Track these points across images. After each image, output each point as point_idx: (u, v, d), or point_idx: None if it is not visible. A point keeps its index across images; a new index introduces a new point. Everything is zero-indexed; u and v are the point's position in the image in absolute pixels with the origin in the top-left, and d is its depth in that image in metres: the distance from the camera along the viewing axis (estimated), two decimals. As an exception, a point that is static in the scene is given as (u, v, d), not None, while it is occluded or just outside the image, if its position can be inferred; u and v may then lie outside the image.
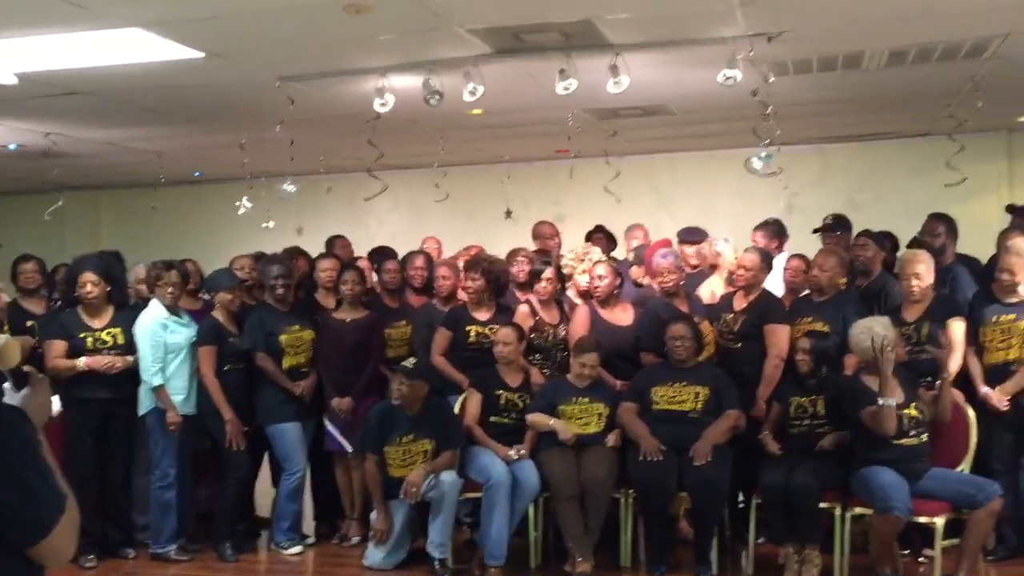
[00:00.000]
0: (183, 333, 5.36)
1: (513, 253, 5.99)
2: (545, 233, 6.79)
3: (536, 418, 5.09)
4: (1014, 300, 4.82)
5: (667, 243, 6.24)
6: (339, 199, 9.40)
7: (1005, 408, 4.73)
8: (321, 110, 6.46)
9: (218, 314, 5.43)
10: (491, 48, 5.17)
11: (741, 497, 5.22)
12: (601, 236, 7.21)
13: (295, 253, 6.39)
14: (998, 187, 8.26)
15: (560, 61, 5.19)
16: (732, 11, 4.57)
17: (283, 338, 5.40)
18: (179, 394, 5.31)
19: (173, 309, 5.37)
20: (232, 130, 7.20)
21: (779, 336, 5.17)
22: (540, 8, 4.60)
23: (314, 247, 6.84)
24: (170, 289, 5.31)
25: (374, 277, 6.11)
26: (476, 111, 6.75)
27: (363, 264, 6.18)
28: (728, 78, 5.02)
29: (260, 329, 5.43)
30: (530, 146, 8.73)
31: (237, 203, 6.93)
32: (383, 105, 5.56)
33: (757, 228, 6.54)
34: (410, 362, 5.08)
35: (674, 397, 5.03)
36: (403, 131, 7.27)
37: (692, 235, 6.34)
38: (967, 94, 6.28)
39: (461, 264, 5.90)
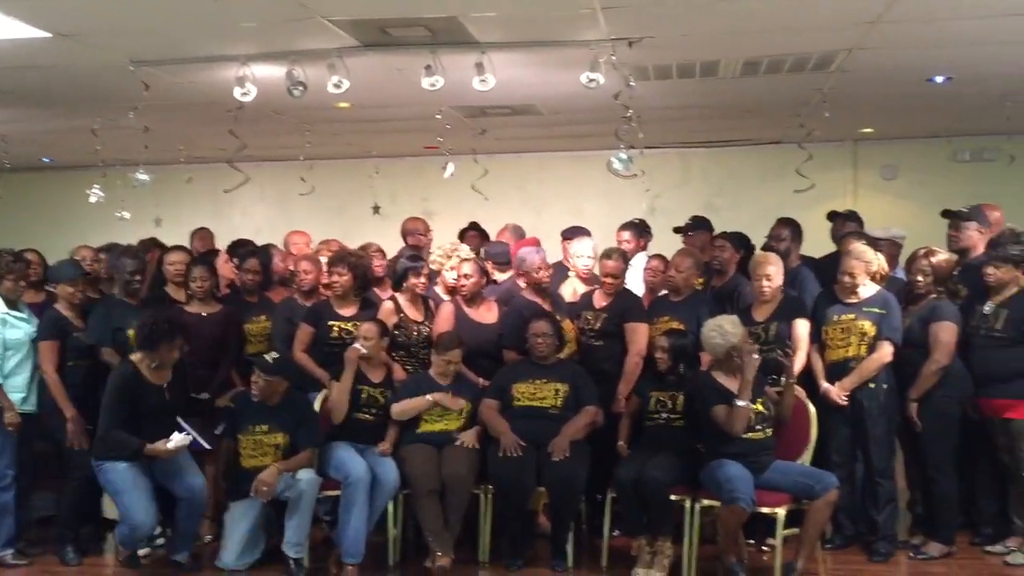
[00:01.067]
0: (23, 328, 5.10)
1: (364, 248, 5.96)
2: (417, 229, 6.74)
3: (405, 404, 5.06)
4: (854, 300, 5.08)
5: (535, 241, 6.33)
6: (200, 190, 9.11)
7: (844, 403, 4.99)
8: (178, 97, 6.24)
9: (61, 307, 5.18)
10: (357, 41, 5.12)
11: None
12: (475, 234, 7.24)
13: (150, 245, 6.16)
14: (844, 194, 8.72)
15: (426, 57, 5.19)
16: (595, 15, 4.67)
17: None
18: (18, 392, 5.04)
19: (12, 303, 5.09)
20: (84, 115, 6.88)
21: (639, 334, 5.32)
22: (407, 2, 4.58)
23: (173, 239, 6.61)
24: (8, 281, 5.04)
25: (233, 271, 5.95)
26: (343, 104, 6.67)
27: (221, 258, 6.01)
28: (591, 80, 5.12)
29: (106, 323, 5.21)
30: (399, 142, 8.68)
31: (88, 191, 6.61)
32: (244, 95, 5.42)
33: (622, 228, 6.71)
34: (270, 356, 4.97)
35: (535, 394, 5.10)
36: (267, 122, 7.11)
37: (575, 232, 6.44)
38: (815, 105, 6.60)
39: (323, 259, 5.81)
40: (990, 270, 4.91)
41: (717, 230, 6.32)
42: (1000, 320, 4.86)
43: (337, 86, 5.28)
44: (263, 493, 4.71)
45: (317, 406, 5.20)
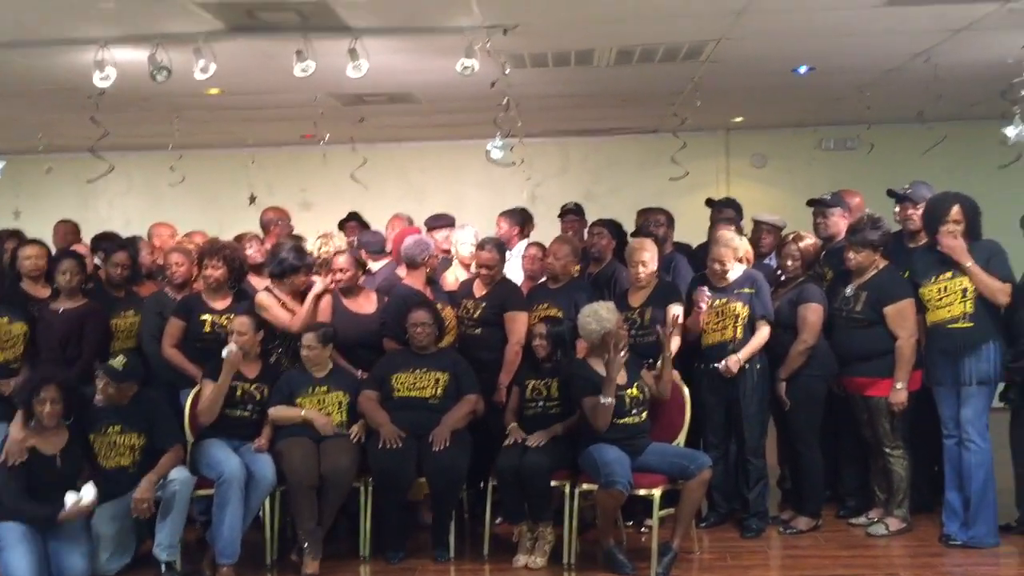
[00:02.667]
0: None
1: (240, 238, 5.79)
2: (276, 219, 6.51)
3: (281, 412, 4.95)
4: (724, 284, 5.22)
5: (416, 230, 6.27)
6: (62, 180, 8.66)
7: (733, 371, 5.09)
8: (33, 82, 5.93)
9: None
10: (223, 24, 4.95)
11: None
12: (355, 224, 7.13)
13: (5, 236, 5.83)
14: (717, 182, 8.97)
15: (297, 42, 5.06)
16: (468, 2, 4.64)
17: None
18: None
19: None
20: (-72, 100, 6.46)
21: (518, 323, 5.33)
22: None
23: (34, 231, 6.27)
24: None
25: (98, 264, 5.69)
26: (213, 91, 6.46)
27: (82, 250, 5.73)
28: (466, 68, 5.10)
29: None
30: (275, 130, 8.46)
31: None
32: (104, 79, 5.18)
33: (502, 215, 6.72)
34: (118, 361, 4.72)
35: (414, 384, 5.05)
36: (132, 109, 6.82)
37: (440, 220, 6.43)
38: (688, 94, 6.75)
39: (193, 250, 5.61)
40: (851, 254, 5.12)
41: (598, 217, 6.41)
42: (860, 302, 5.07)
43: (204, 71, 5.10)
44: (144, 511, 4.52)
45: (188, 402, 5.03)
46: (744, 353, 5.07)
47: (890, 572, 4.67)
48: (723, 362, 5.08)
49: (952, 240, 4.68)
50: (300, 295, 5.35)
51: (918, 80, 6.17)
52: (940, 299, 4.89)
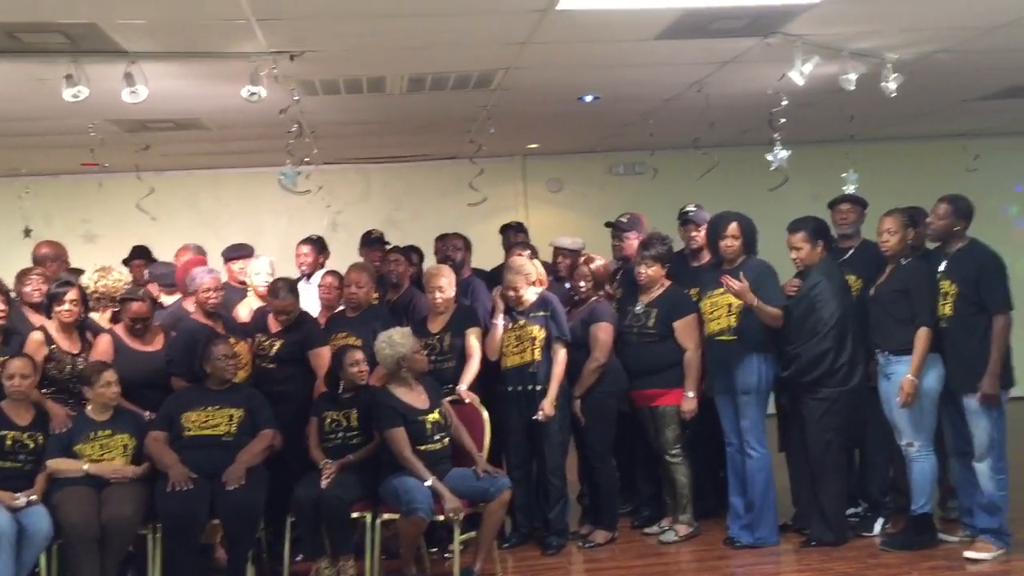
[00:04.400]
0: None
1: (24, 273, 5.39)
2: (49, 256, 5.96)
3: (61, 465, 4.62)
4: (521, 308, 5.33)
5: (203, 261, 6.03)
6: None
7: (551, 415, 5.15)
8: None
9: None
10: (-18, 46, 4.61)
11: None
12: (141, 262, 6.75)
13: None
14: (516, 206, 9.16)
15: (67, 66, 4.78)
16: (251, 26, 4.53)
17: None
18: None
19: None
20: None
21: (323, 358, 5.22)
22: (38, 6, 4.18)
23: None
24: None
25: None
26: (-25, 116, 5.99)
27: None
28: (253, 94, 4.97)
29: None
30: (52, 158, 7.93)
31: None
32: None
33: (302, 243, 6.60)
34: None
35: (207, 421, 4.85)
36: None
37: (237, 251, 6.23)
38: (482, 122, 6.86)
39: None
40: (641, 269, 5.36)
41: (400, 244, 6.40)
42: (652, 318, 5.31)
43: (-38, 96, 4.72)
44: None
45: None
46: (552, 392, 5.16)
47: (681, 577, 4.90)
48: (539, 412, 5.16)
49: (737, 285, 4.97)
50: (77, 330, 5.03)
51: (693, 109, 6.55)
52: (711, 313, 5.21)
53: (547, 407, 5.15)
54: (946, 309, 4.83)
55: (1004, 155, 9.20)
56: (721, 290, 5.13)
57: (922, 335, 4.80)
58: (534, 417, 5.18)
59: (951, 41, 5.33)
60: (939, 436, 5.04)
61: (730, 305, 5.12)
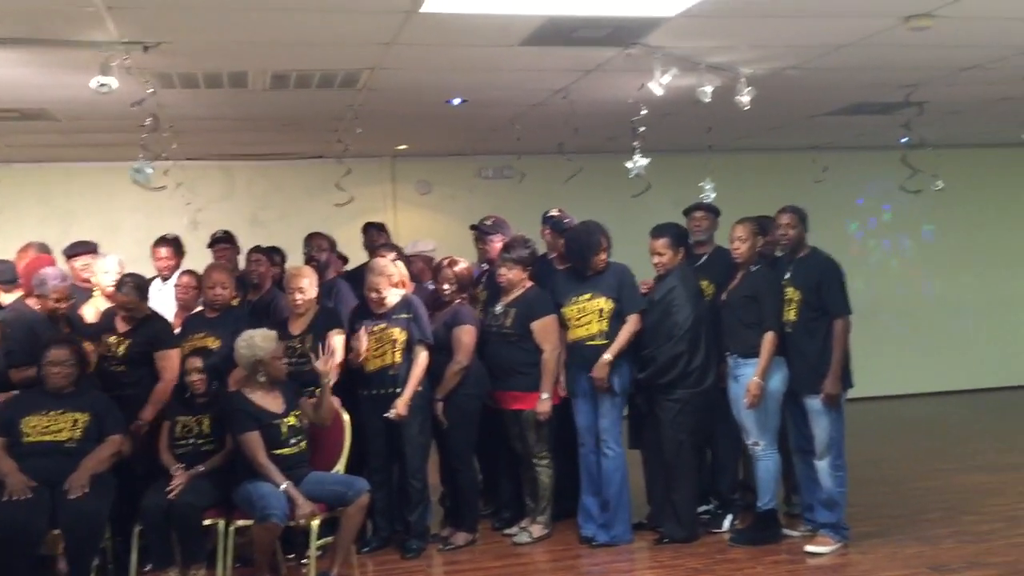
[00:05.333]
0: None
1: None
2: None
3: None
4: (383, 311, 5.29)
5: (49, 260, 5.75)
6: None
7: (404, 415, 5.12)
8: None
9: None
10: None
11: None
12: None
13: None
14: (384, 208, 9.08)
15: None
16: (100, 15, 4.34)
17: None
18: None
19: None
20: None
21: (171, 360, 5.07)
22: None
23: None
24: None
25: None
26: None
27: None
28: (103, 85, 4.76)
29: None
30: None
31: None
32: None
33: (158, 243, 6.38)
34: None
35: (48, 427, 4.63)
36: None
37: (79, 248, 5.96)
38: (349, 121, 6.79)
39: None
40: (503, 271, 5.40)
41: (265, 244, 6.26)
42: (510, 318, 5.35)
43: None
44: None
45: None
46: (407, 393, 5.14)
47: (538, 577, 4.96)
48: (392, 411, 5.13)
49: (599, 372, 5.15)
50: None
51: (559, 115, 6.66)
52: (579, 318, 5.29)
53: (400, 406, 5.13)
54: (791, 314, 5.07)
55: (850, 168, 9.72)
56: (588, 295, 5.25)
57: (768, 339, 5.02)
58: (385, 415, 5.13)
59: (799, 58, 5.59)
60: (783, 435, 5.28)
61: (601, 310, 5.24)
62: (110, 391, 4.97)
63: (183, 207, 8.12)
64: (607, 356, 5.17)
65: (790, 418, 5.23)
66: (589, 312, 5.28)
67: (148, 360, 5.09)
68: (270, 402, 4.72)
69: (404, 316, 5.25)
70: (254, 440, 4.57)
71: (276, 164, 9.03)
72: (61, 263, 5.81)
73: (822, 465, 5.06)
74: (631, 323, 5.23)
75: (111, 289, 5.42)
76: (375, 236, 6.42)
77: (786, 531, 5.33)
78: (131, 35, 4.67)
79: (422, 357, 5.21)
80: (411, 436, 5.22)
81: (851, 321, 5.06)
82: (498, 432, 5.54)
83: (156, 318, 5.27)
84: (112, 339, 5.11)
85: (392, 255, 5.73)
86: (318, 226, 6.47)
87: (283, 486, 4.52)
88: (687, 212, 5.80)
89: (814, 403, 5.01)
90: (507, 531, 5.54)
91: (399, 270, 5.41)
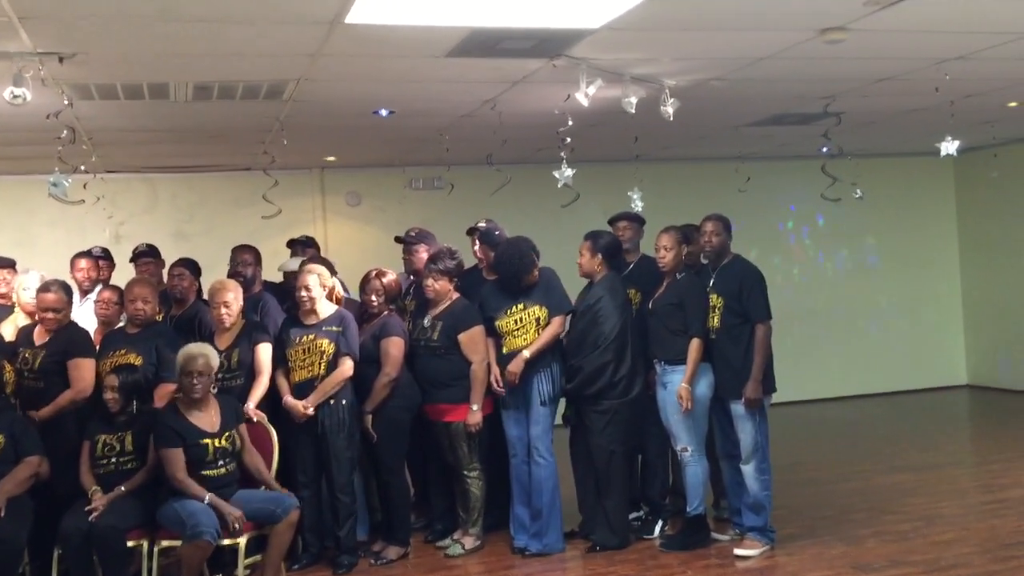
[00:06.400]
0: None
1: None
2: None
3: None
4: (313, 321, 5.24)
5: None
6: None
7: (309, 413, 5.08)
8: None
9: None
10: None
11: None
12: None
13: None
14: (313, 220, 9.01)
15: None
16: (13, 25, 4.22)
17: None
18: None
19: None
20: None
21: (82, 370, 4.95)
22: None
23: None
24: None
25: None
26: None
27: None
28: (16, 96, 4.63)
29: None
30: None
31: None
32: None
33: (78, 256, 6.28)
34: None
35: (-39, 450, 4.47)
36: None
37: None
38: (275, 133, 6.70)
39: None
40: (429, 282, 5.39)
41: (191, 257, 6.14)
42: (437, 331, 5.35)
43: None
44: None
45: None
46: (315, 396, 5.09)
47: (472, 589, 4.95)
48: (286, 400, 5.11)
49: (514, 367, 5.19)
50: None
51: (487, 126, 6.67)
52: (516, 329, 5.32)
53: (310, 400, 5.09)
54: (715, 321, 5.17)
55: (771, 177, 9.94)
56: (521, 305, 5.31)
57: (694, 345, 5.10)
58: (300, 411, 5.10)
59: (721, 70, 5.70)
60: (711, 441, 5.36)
61: (539, 319, 5.28)
62: (28, 406, 4.83)
63: (105, 221, 7.97)
64: (525, 353, 5.22)
65: (716, 423, 5.32)
66: (526, 322, 5.31)
67: (63, 370, 4.95)
68: (203, 420, 4.64)
69: (334, 329, 5.21)
70: (174, 456, 4.50)
71: (201, 176, 8.88)
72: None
73: (748, 469, 5.15)
74: (554, 324, 5.29)
75: (32, 307, 5.26)
76: (301, 252, 6.34)
77: (715, 535, 5.41)
78: (45, 46, 4.55)
79: (345, 366, 5.17)
80: (337, 451, 5.16)
81: (772, 326, 5.17)
82: (429, 444, 5.52)
83: (73, 327, 5.13)
84: (28, 352, 4.97)
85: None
86: (245, 239, 6.38)
87: (206, 499, 4.44)
88: (611, 222, 5.88)
89: (738, 408, 5.11)
90: (440, 543, 5.52)
91: (334, 281, 5.40)
